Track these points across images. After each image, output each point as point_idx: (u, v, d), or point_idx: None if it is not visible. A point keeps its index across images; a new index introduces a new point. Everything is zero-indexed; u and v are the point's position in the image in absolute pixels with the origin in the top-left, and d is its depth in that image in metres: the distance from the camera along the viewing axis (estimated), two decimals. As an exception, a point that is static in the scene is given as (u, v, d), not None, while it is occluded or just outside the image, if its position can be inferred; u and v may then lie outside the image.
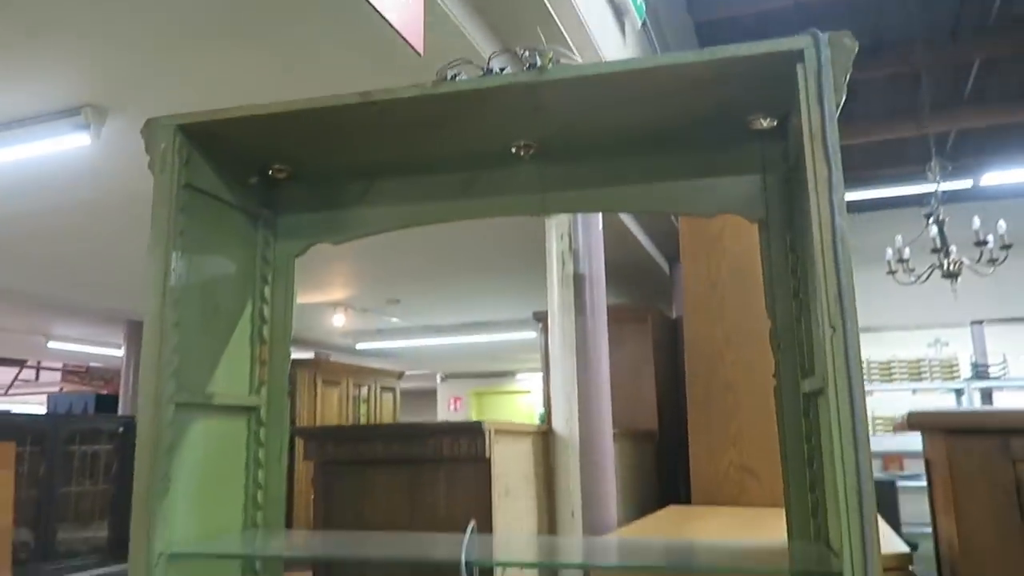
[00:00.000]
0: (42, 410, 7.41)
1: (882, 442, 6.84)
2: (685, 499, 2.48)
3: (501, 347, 8.47)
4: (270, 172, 1.48)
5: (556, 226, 2.00)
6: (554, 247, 2.00)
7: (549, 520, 1.87)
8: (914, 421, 1.36)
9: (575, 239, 1.99)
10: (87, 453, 5.03)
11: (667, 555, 1.35)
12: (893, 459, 6.86)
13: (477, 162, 1.43)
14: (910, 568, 1.41)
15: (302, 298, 5.74)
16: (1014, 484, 1.23)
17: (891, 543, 1.54)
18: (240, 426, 1.48)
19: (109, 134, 2.59)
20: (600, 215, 2.10)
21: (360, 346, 8.07)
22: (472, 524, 1.28)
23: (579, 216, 2.01)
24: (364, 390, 6.96)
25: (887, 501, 5.47)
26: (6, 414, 5.06)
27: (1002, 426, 1.26)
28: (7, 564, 3.66)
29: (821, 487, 1.18)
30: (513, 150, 1.36)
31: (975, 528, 1.25)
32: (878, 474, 6.37)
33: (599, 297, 2.03)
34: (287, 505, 4.22)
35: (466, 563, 1.12)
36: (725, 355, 2.45)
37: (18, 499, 3.82)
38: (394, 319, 6.93)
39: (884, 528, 1.77)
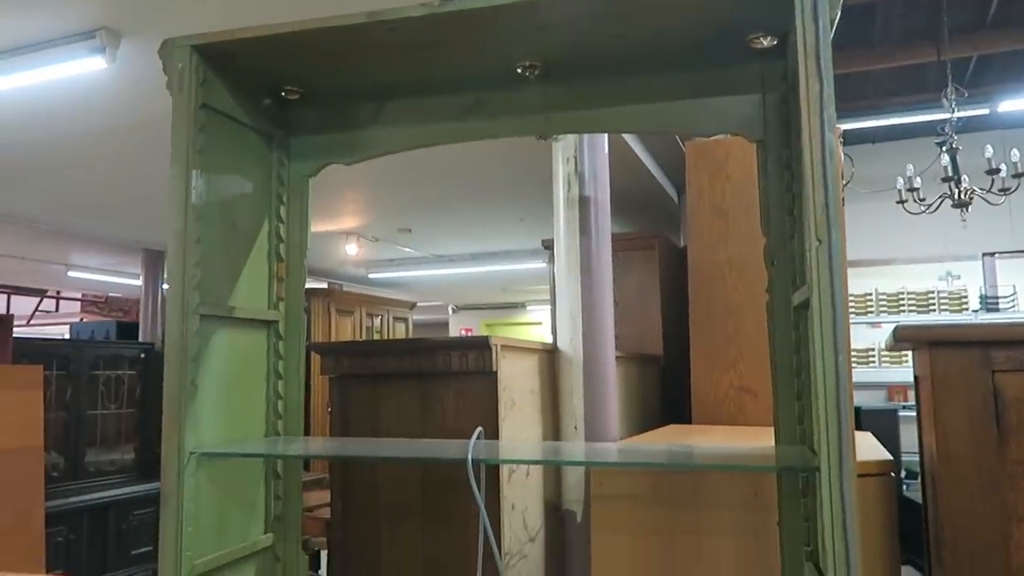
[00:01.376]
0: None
1: (887, 374, 6.94)
2: (687, 421, 2.58)
3: (512, 277, 8.55)
4: (283, 93, 1.52)
5: (562, 149, 2.04)
6: (560, 170, 2.04)
7: (553, 432, 1.96)
8: (900, 335, 1.42)
9: (581, 162, 2.02)
10: (111, 378, 5.20)
11: (665, 456, 1.44)
12: (898, 390, 6.96)
13: (483, 83, 1.47)
14: (891, 475, 1.49)
15: (314, 226, 5.80)
16: (991, 393, 1.30)
17: (876, 452, 1.62)
18: (260, 339, 1.57)
19: (124, 58, 2.61)
20: (606, 139, 2.13)
21: (373, 275, 8.17)
22: (479, 430, 1.37)
23: (585, 139, 2.04)
24: (377, 320, 7.09)
25: (889, 429, 5.59)
26: (31, 340, 5.22)
27: (983, 338, 1.32)
28: (40, 482, 3.84)
29: (807, 395, 1.25)
30: (519, 71, 1.39)
31: (952, 434, 1.32)
32: (882, 403, 6.49)
33: (604, 220, 2.08)
34: (305, 417, 4.41)
35: (472, 460, 1.21)
36: (728, 279, 2.51)
37: (47, 421, 3.99)
38: (406, 249, 7.00)
39: (871, 440, 1.86)
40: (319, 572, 3.77)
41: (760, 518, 1.45)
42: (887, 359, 7.32)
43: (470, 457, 1.18)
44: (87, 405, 4.95)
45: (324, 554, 2.53)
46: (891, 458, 1.51)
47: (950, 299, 7.18)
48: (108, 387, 5.14)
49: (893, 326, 1.43)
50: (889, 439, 5.39)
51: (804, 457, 1.21)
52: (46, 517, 3.81)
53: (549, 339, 2.14)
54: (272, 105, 1.56)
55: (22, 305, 10.27)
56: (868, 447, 1.71)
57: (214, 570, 1.32)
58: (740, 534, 1.47)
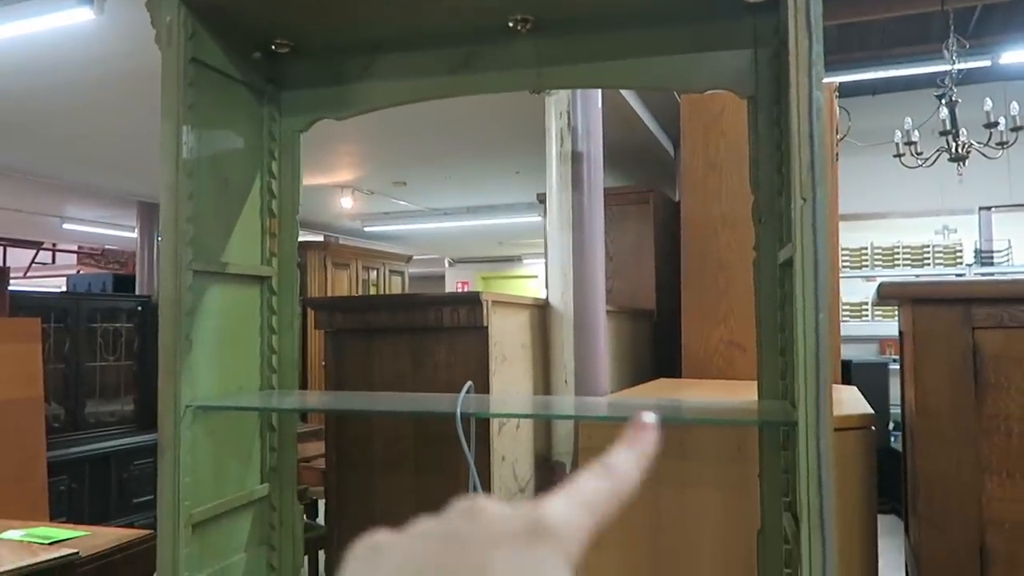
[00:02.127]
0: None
1: (879, 327, 6.99)
2: (678, 375, 2.62)
3: (508, 231, 8.54)
4: (273, 47, 1.51)
5: (555, 103, 2.03)
6: (553, 125, 2.03)
7: (544, 386, 2.00)
8: (884, 292, 1.44)
9: (574, 117, 2.02)
10: (108, 330, 5.24)
11: (652, 411, 1.47)
12: (890, 343, 7.03)
13: (475, 37, 1.46)
14: (871, 428, 1.53)
15: (308, 180, 5.77)
16: (971, 349, 1.33)
17: (858, 406, 1.66)
18: (253, 294, 1.58)
19: (112, 10, 2.57)
20: (599, 94, 2.12)
21: (368, 229, 8.16)
22: (468, 384, 1.39)
23: (578, 94, 2.03)
24: (373, 273, 7.11)
25: (879, 382, 5.67)
26: (30, 292, 5.24)
27: (964, 295, 1.34)
28: (41, 433, 3.90)
29: (791, 352, 1.27)
30: (510, 24, 1.38)
31: (932, 390, 1.35)
32: (873, 357, 6.56)
33: (596, 176, 2.08)
34: (302, 373, 4.44)
35: (462, 414, 1.24)
36: (720, 235, 2.52)
37: (47, 373, 4.03)
38: (401, 202, 6.98)
39: (855, 394, 1.89)
40: (317, 520, 3.86)
41: (742, 470, 1.49)
42: (879, 313, 7.37)
43: (459, 411, 1.20)
44: (86, 357, 5.00)
45: (321, 503, 2.60)
46: (871, 412, 1.55)
47: (945, 253, 7.19)
48: (106, 339, 5.18)
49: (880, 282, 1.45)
50: (879, 392, 5.47)
51: (785, 412, 1.24)
52: (48, 467, 3.88)
53: (544, 293, 2.16)
54: (262, 59, 1.55)
55: (18, 257, 10.26)
56: (851, 401, 1.75)
57: (211, 519, 1.36)
58: (723, 486, 1.51)
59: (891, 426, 5.42)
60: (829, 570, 1.04)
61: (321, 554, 3.70)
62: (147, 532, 2.16)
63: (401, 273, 7.55)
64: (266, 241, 1.63)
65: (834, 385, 2.15)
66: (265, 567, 1.47)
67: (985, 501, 1.27)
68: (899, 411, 1.66)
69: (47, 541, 2.05)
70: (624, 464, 0.40)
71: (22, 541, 2.03)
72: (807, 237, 1.06)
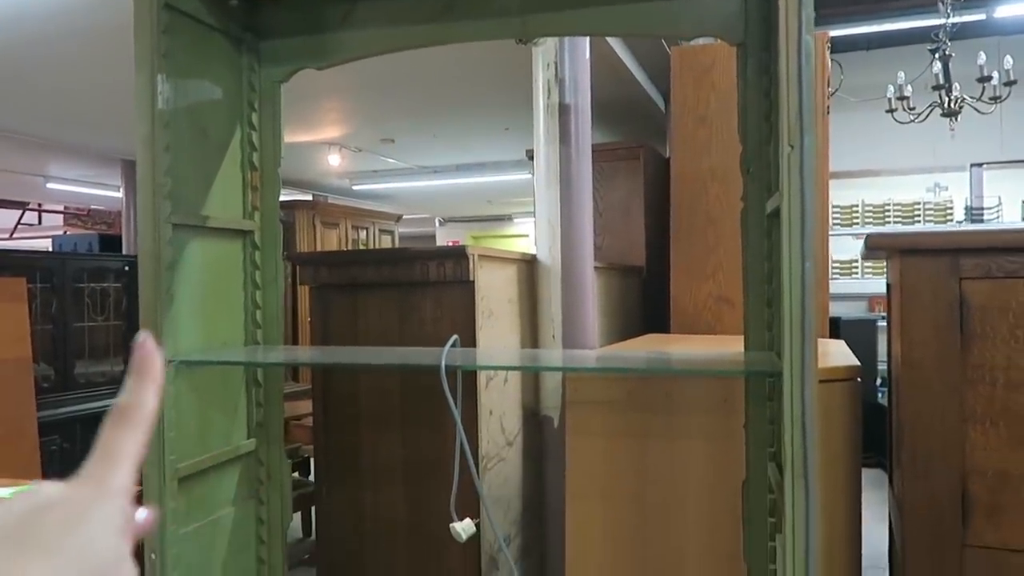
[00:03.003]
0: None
1: (868, 284, 7.02)
2: (667, 332, 2.62)
3: (497, 189, 8.48)
4: (249, -7, 1.47)
5: (543, 54, 1.99)
6: (540, 76, 1.99)
7: (531, 341, 1.99)
8: (872, 243, 1.43)
9: (561, 69, 1.98)
10: (96, 290, 5.19)
11: (638, 362, 1.47)
12: (878, 301, 7.06)
13: (458, -17, 1.41)
14: (857, 380, 1.53)
15: (294, 137, 5.70)
16: (958, 299, 1.32)
17: (844, 359, 1.66)
18: (236, 249, 1.56)
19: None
20: (587, 44, 2.08)
21: (357, 187, 8.09)
22: (454, 337, 1.38)
23: (566, 44, 1.99)
24: (363, 233, 7.06)
25: (867, 339, 5.70)
26: (13, 251, 5.18)
27: (952, 245, 1.33)
28: (30, 392, 3.89)
29: (777, 303, 1.27)
30: (493, -31, 1.34)
31: (918, 340, 1.35)
32: (861, 314, 6.59)
33: (584, 128, 2.05)
34: (292, 331, 4.44)
35: (447, 367, 1.23)
36: (709, 189, 2.50)
37: (35, 334, 4.01)
38: (390, 160, 6.90)
39: (843, 348, 1.90)
40: (309, 478, 3.88)
41: (729, 422, 1.49)
42: (869, 270, 7.38)
43: (443, 364, 1.20)
44: (73, 317, 4.96)
45: (313, 462, 2.61)
46: (858, 364, 1.55)
47: (936, 210, 7.19)
48: (93, 300, 5.14)
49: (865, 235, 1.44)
50: (867, 348, 5.51)
51: (770, 362, 1.23)
52: (39, 427, 3.88)
53: (533, 251, 2.14)
54: (240, 6, 1.50)
55: (4, 218, 10.15)
56: (838, 354, 1.75)
57: (197, 473, 1.36)
58: (709, 437, 1.51)
59: (878, 382, 5.47)
60: (812, 518, 1.04)
61: (314, 510, 3.72)
62: (135, 488, 2.16)
63: (391, 232, 7.50)
64: (248, 195, 1.60)
65: (821, 339, 2.16)
66: (254, 521, 1.48)
67: (968, 450, 1.27)
68: (887, 367, 1.67)
69: (36, 498, 2.05)
70: (139, 396, 0.40)
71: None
72: (794, 185, 1.05)
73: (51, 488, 0.36)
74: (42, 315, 4.72)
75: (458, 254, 1.69)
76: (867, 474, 1.84)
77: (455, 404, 1.20)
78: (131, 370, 0.42)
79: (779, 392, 1.17)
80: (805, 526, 1.04)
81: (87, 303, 5.08)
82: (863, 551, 1.50)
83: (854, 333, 5.20)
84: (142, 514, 0.40)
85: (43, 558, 0.32)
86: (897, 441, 1.40)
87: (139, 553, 1.47)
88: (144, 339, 0.43)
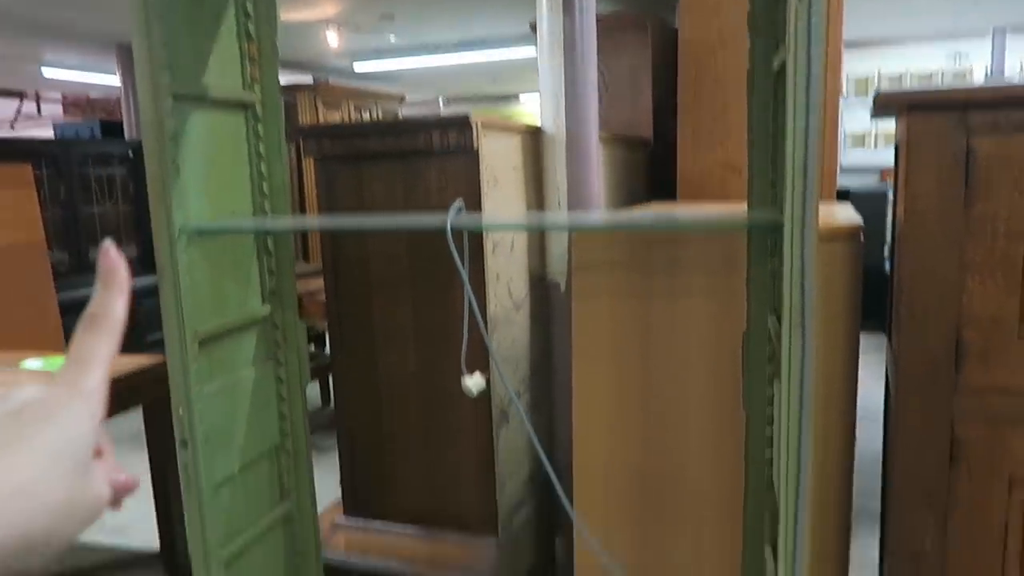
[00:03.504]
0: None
1: (881, 156, 6.92)
2: (673, 200, 2.62)
3: (501, 67, 8.24)
4: None
5: (545, -89, 1.90)
6: (542, -64, 1.91)
7: (537, 208, 2.00)
8: (881, 100, 1.40)
9: (564, -75, 1.89)
10: (102, 176, 5.20)
11: (646, 220, 1.49)
12: (890, 172, 6.98)
13: None
14: (860, 238, 1.54)
15: (289, 15, 5.51)
16: (964, 153, 1.32)
17: (847, 217, 1.67)
18: (238, 121, 1.55)
19: None
20: None
21: (359, 68, 7.88)
22: (459, 200, 1.40)
23: (569, -102, 1.89)
24: (366, 114, 6.94)
25: (877, 210, 5.69)
26: (17, 139, 5.15)
27: (961, 100, 1.31)
28: (48, 274, 3.97)
29: (781, 160, 1.26)
30: None
31: (922, 193, 1.35)
32: (871, 184, 6.53)
33: (589, -6, 1.98)
34: (301, 203, 4.46)
35: (452, 228, 1.25)
36: (717, 54, 2.43)
37: (46, 220, 4.05)
38: (391, 36, 6.69)
39: (848, 209, 1.90)
40: (324, 351, 4.01)
41: (731, 281, 1.52)
42: (882, 141, 7.25)
43: (449, 224, 1.22)
44: (83, 202, 4.99)
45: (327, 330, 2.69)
46: (860, 222, 1.56)
47: (954, 80, 6.98)
48: (100, 185, 5.15)
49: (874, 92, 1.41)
50: (876, 220, 5.50)
51: (773, 218, 1.25)
52: (60, 308, 3.98)
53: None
54: None
55: (2, 109, 10.01)
56: (842, 213, 1.76)
57: (216, 337, 1.41)
58: (712, 296, 1.55)
59: (886, 252, 5.49)
60: (807, 362, 1.09)
61: (331, 379, 3.84)
62: (160, 358, 2.25)
63: (395, 113, 7.37)
64: (246, 66, 1.57)
65: (827, 201, 2.16)
66: (273, 380, 1.55)
67: (965, 299, 1.30)
68: (891, 229, 1.68)
69: (64, 370, 2.14)
70: (107, 304, 0.42)
71: (42, 370, 2.12)
72: (801, 37, 1.03)
73: (27, 390, 0.38)
74: (51, 201, 4.75)
75: (461, 123, 1.68)
76: (870, 340, 1.89)
77: (462, 264, 1.23)
78: (98, 279, 0.44)
79: (780, 247, 1.19)
80: (800, 371, 1.08)
81: (94, 188, 5.10)
82: (859, 404, 1.57)
83: (864, 204, 5.17)
84: (122, 477, 0.43)
85: (18, 453, 0.35)
86: (897, 294, 1.43)
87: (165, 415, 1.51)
88: (108, 248, 0.45)
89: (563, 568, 2.04)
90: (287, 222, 1.48)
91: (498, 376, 1.67)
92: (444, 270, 1.72)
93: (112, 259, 0.44)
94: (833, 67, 2.46)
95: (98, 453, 0.42)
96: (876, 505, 1.73)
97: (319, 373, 3.95)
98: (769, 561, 1.28)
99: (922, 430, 1.32)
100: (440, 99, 11.49)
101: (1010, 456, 1.28)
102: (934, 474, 1.33)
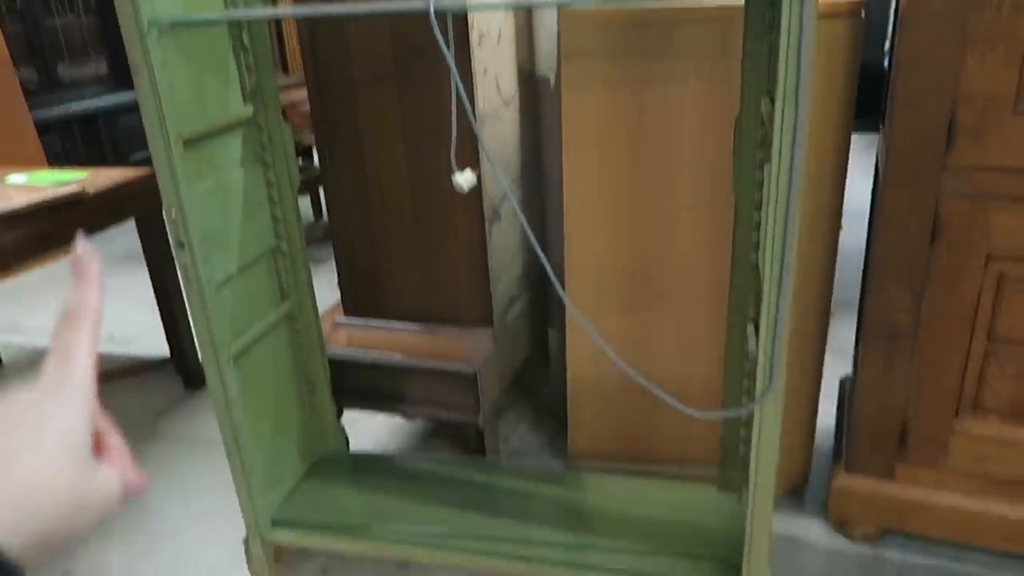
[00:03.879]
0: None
1: None
2: None
3: None
4: None
5: None
6: None
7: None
8: None
9: None
10: (59, -17, 4.86)
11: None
12: None
13: None
14: (861, 15, 1.48)
15: None
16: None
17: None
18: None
19: None
20: None
21: None
22: (443, -15, 1.31)
23: None
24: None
25: (880, 5, 5.41)
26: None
27: None
28: (18, 92, 3.82)
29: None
30: None
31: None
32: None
33: None
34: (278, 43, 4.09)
35: (436, 9, 1.19)
36: None
37: (7, 34, 3.83)
38: None
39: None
40: (313, 164, 3.97)
41: (726, 65, 1.48)
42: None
43: (432, 4, 1.15)
44: (43, 17, 4.71)
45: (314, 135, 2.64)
46: (861, -1, 1.49)
47: None
48: (59, -4, 4.83)
49: None
50: (880, 14, 5.25)
51: (772, -7, 1.19)
52: (37, 129, 3.88)
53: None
54: None
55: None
56: None
57: (201, 139, 1.38)
58: (705, 81, 1.51)
59: (886, 47, 5.30)
60: (799, 140, 1.08)
61: (322, 190, 3.84)
62: (145, 170, 2.23)
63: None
64: None
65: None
66: (263, 183, 1.54)
67: (962, 76, 1.27)
68: (894, 17, 1.60)
69: (52, 182, 2.13)
70: (82, 297, 0.42)
71: (28, 184, 2.10)
72: None
73: (17, 394, 0.38)
74: (7, 11, 4.48)
75: None
76: (863, 140, 1.87)
77: (447, 48, 1.18)
78: (72, 273, 0.43)
79: (779, 22, 1.15)
80: (791, 148, 1.08)
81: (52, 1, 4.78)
82: (846, 201, 1.58)
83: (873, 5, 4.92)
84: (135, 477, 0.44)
85: (15, 455, 0.35)
86: (894, 77, 1.39)
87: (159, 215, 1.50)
88: (79, 241, 0.44)
89: (556, 358, 2.15)
90: (262, 11, 1.40)
91: (490, 171, 1.66)
92: (429, 65, 1.66)
93: (83, 252, 0.43)
94: None
95: (104, 448, 0.43)
96: (855, 296, 1.80)
97: (309, 186, 3.93)
98: (751, 338, 1.35)
99: (907, 209, 1.34)
100: None
101: (990, 233, 1.32)
102: (914, 252, 1.37)
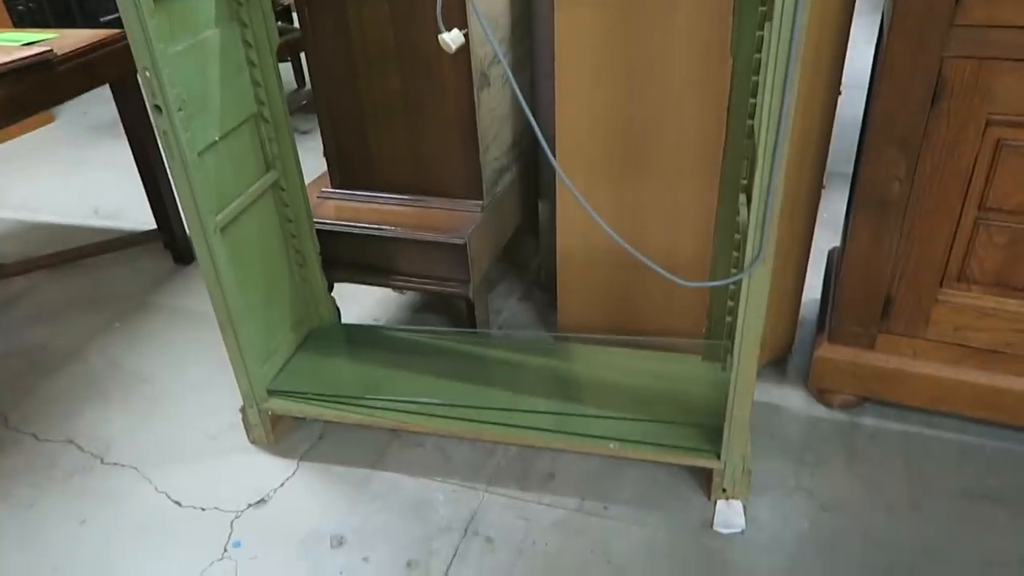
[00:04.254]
0: None
1: None
2: None
3: None
4: None
5: None
6: None
7: None
8: None
9: None
10: None
11: None
12: None
13: None
14: None
15: None
16: None
17: None
18: None
19: None
20: None
21: None
22: None
23: None
24: None
25: None
26: None
27: None
28: None
29: None
30: None
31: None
32: None
33: None
34: None
35: None
36: None
37: None
38: None
39: None
40: (293, 23, 3.79)
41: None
42: None
43: None
44: None
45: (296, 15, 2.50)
46: None
47: None
48: None
49: None
50: None
51: None
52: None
53: None
54: None
55: None
56: None
57: (172, -6, 1.30)
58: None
59: None
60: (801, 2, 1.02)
61: (303, 56, 3.70)
62: (118, 31, 2.12)
63: None
64: None
65: None
66: (241, 44, 1.47)
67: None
68: None
69: (19, 43, 2.02)
70: None
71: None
72: None
73: None
74: None
75: None
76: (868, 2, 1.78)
77: None
78: None
79: None
80: (794, 7, 1.03)
81: None
82: (847, 68, 1.52)
83: None
84: None
85: None
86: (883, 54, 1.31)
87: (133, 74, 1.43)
88: None
89: (546, 229, 2.14)
90: None
91: (480, 29, 1.58)
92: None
93: None
94: None
95: None
96: (848, 168, 1.77)
97: (290, 50, 3.77)
98: (743, 208, 1.33)
99: (910, 69, 1.30)
100: None
101: (992, 96, 1.28)
102: (912, 117, 1.34)
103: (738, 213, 1.42)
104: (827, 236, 2.19)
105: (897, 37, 1.28)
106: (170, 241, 2.56)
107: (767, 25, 1.05)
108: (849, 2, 1.44)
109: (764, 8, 1.20)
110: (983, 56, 1.24)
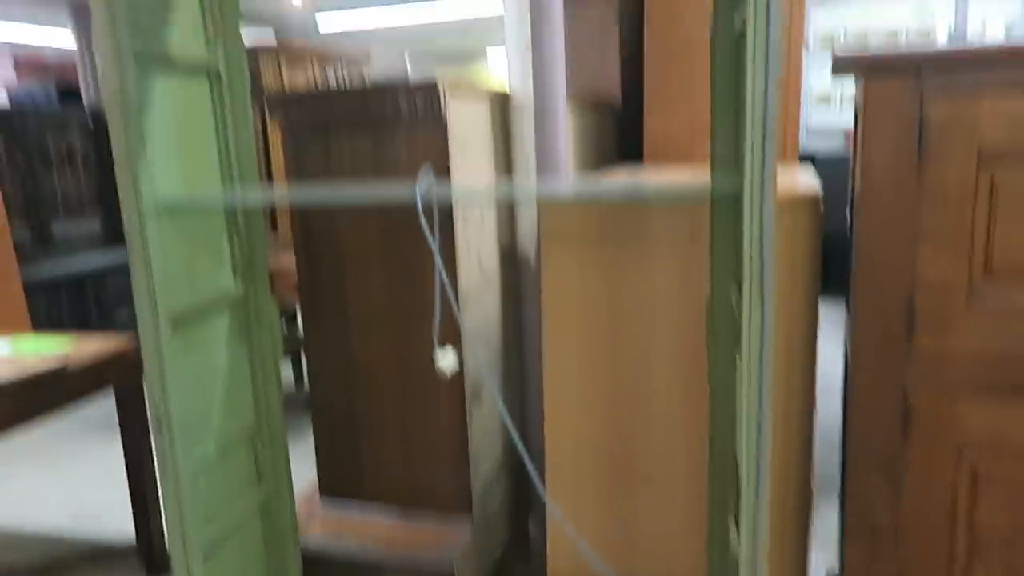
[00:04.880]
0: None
1: (846, 118, 6.95)
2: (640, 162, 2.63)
3: (468, 23, 8.12)
4: None
5: None
6: None
7: (506, 173, 2.01)
8: (838, 63, 1.42)
9: None
10: (62, 146, 5.07)
11: (615, 190, 1.50)
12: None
13: None
14: (818, 203, 1.57)
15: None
16: (918, 120, 1.34)
17: (808, 184, 1.71)
18: (203, 87, 1.52)
19: None
20: None
21: (323, 25, 7.72)
22: (428, 167, 1.40)
23: None
24: (330, 72, 6.82)
25: (841, 176, 5.75)
26: (-31, 108, 4.99)
27: (915, 64, 1.33)
28: (10, 251, 3.89)
29: (744, 126, 1.28)
30: None
31: (876, 160, 1.37)
32: (837, 147, 6.57)
33: (555, -47, 1.96)
34: (266, 168, 4.35)
35: (423, 202, 1.26)
36: (685, 17, 2.43)
37: (5, 193, 3.94)
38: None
39: (807, 172, 1.94)
40: (297, 328, 3.99)
41: (697, 250, 1.55)
42: (847, 100, 7.28)
43: (419, 194, 1.22)
44: (43, 175, 4.88)
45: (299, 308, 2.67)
46: (819, 190, 1.59)
47: (918, 37, 7.02)
48: (61, 155, 5.03)
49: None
50: (840, 185, 5.55)
51: (735, 187, 1.27)
52: (25, 289, 3.90)
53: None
54: None
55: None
56: (802, 180, 1.79)
57: (188, 316, 1.41)
58: (679, 266, 1.58)
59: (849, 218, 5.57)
60: (767, 333, 1.12)
61: (304, 359, 3.82)
62: (130, 339, 2.22)
63: (361, 74, 7.24)
64: (208, 24, 1.53)
65: (790, 164, 2.18)
66: (247, 361, 1.55)
67: (918, 266, 1.34)
68: (851, 195, 1.70)
69: (35, 353, 2.12)
70: None
71: (11, 356, 2.09)
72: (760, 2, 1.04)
73: None
74: (9, 171, 4.64)
75: (429, 87, 1.67)
76: (834, 306, 1.91)
77: (432, 235, 1.25)
78: None
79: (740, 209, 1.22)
80: (760, 346, 1.11)
81: (54, 159, 4.98)
82: (821, 372, 1.61)
83: (829, 170, 5.23)
84: None
85: None
86: (854, 263, 1.46)
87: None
88: None
89: (536, 546, 2.08)
90: (258, 196, 1.47)
91: (471, 355, 1.69)
92: (415, 243, 1.73)
93: None
94: (797, 24, 2.47)
95: None
96: (835, 473, 1.78)
97: (292, 352, 3.94)
98: (732, 532, 1.32)
99: (877, 400, 1.36)
100: (406, 55, 11.31)
101: (958, 424, 1.33)
102: (888, 445, 1.38)
103: (727, 535, 1.41)
104: (826, 553, 2.11)
105: (860, 368, 1.37)
106: (148, 555, 2.44)
107: (736, 357, 1.13)
108: (812, 320, 1.56)
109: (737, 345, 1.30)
110: (942, 387, 1.32)
